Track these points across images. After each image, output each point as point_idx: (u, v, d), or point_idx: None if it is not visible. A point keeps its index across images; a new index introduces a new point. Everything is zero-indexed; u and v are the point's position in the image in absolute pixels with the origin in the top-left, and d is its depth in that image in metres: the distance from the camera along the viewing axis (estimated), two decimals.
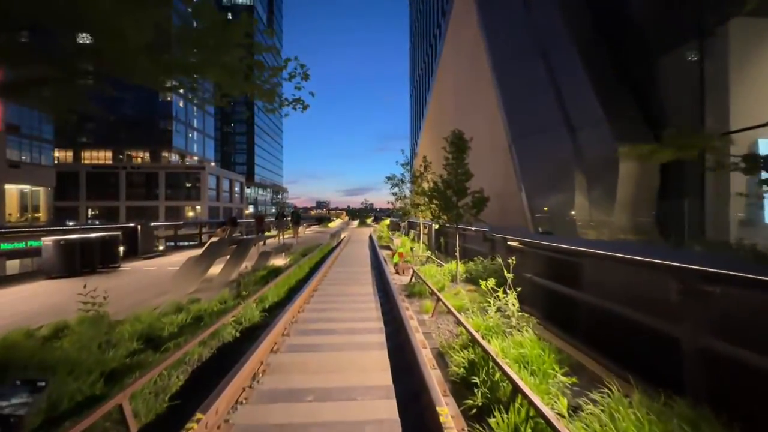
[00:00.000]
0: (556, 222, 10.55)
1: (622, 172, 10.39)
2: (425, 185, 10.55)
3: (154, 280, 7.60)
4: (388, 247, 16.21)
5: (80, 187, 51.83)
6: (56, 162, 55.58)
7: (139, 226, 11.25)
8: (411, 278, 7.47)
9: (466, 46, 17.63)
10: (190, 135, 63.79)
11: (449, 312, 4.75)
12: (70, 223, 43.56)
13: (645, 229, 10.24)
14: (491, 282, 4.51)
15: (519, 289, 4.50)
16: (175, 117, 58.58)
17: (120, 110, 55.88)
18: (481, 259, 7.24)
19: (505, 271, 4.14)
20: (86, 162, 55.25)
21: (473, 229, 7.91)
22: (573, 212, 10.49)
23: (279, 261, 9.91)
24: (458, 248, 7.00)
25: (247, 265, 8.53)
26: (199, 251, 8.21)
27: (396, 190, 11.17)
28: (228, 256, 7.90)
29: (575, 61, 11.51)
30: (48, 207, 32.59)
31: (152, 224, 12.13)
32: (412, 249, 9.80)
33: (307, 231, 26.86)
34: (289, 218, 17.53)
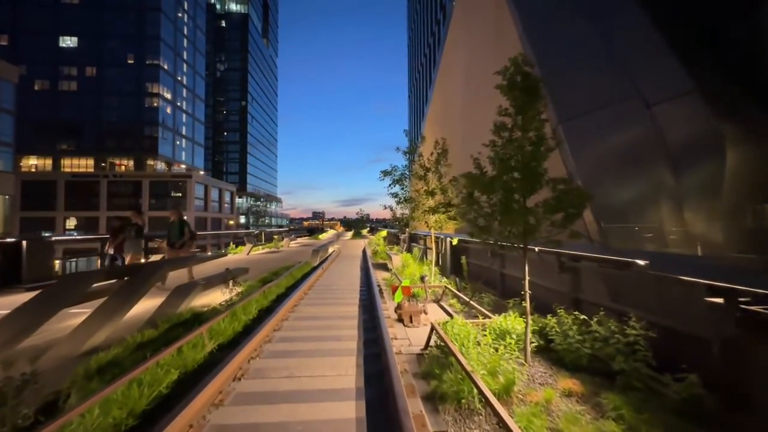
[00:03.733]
0: (634, 233, 7.24)
1: (731, 161, 7.11)
2: (434, 183, 7.21)
3: None
4: (384, 266, 12.75)
5: (58, 196, 48.69)
6: (34, 170, 52.40)
7: (24, 242, 7.74)
8: (428, 340, 4.02)
9: (480, 22, 14.61)
10: (177, 142, 61.02)
11: None
12: (46, 234, 39.95)
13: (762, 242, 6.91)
14: None
15: None
16: (162, 123, 55.82)
17: (103, 116, 53.04)
18: (567, 314, 3.71)
19: None
20: (67, 170, 52.19)
21: (537, 249, 4.53)
22: (658, 218, 7.20)
23: (216, 297, 6.42)
24: (527, 292, 3.49)
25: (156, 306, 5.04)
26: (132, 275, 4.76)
27: (397, 189, 7.70)
28: (107, 299, 4.42)
29: (640, 18, 8.41)
30: (5, 217, 28.88)
31: (52, 238, 8.59)
32: (423, 279, 6.37)
33: (291, 244, 23.36)
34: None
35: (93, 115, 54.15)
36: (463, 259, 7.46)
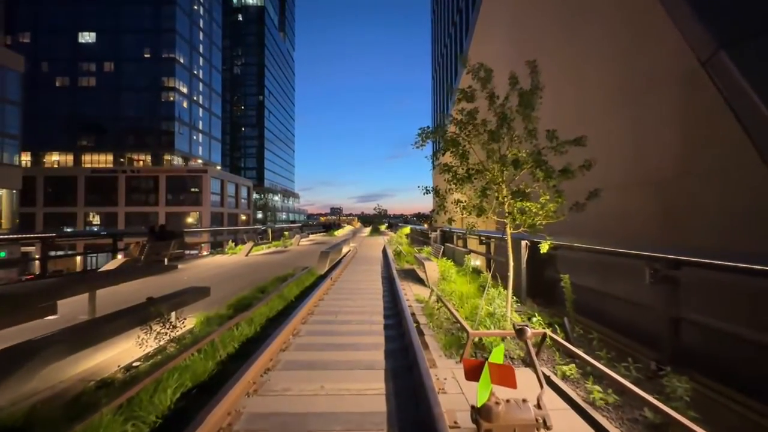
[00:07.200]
0: None
1: None
2: (514, 150, 4.00)
3: None
4: (412, 274, 9.75)
5: (78, 192, 48.55)
6: (56, 165, 52.64)
7: None
8: None
9: None
10: (194, 137, 60.08)
11: None
12: (68, 230, 39.46)
13: None
14: None
15: None
16: (178, 118, 54.75)
17: (121, 111, 52.57)
18: None
19: None
20: (87, 166, 52.20)
21: None
22: None
23: (126, 354, 3.59)
24: None
25: None
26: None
27: (449, 159, 4.30)
28: None
29: None
30: (10, 213, 27.83)
31: None
32: (522, 332, 3.28)
33: (303, 242, 20.71)
34: None
35: (111, 110, 53.87)
36: (565, 280, 4.27)
